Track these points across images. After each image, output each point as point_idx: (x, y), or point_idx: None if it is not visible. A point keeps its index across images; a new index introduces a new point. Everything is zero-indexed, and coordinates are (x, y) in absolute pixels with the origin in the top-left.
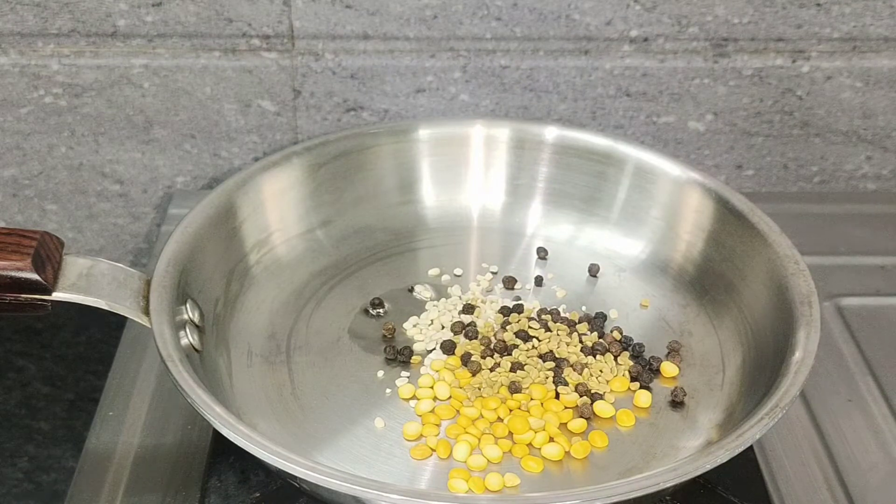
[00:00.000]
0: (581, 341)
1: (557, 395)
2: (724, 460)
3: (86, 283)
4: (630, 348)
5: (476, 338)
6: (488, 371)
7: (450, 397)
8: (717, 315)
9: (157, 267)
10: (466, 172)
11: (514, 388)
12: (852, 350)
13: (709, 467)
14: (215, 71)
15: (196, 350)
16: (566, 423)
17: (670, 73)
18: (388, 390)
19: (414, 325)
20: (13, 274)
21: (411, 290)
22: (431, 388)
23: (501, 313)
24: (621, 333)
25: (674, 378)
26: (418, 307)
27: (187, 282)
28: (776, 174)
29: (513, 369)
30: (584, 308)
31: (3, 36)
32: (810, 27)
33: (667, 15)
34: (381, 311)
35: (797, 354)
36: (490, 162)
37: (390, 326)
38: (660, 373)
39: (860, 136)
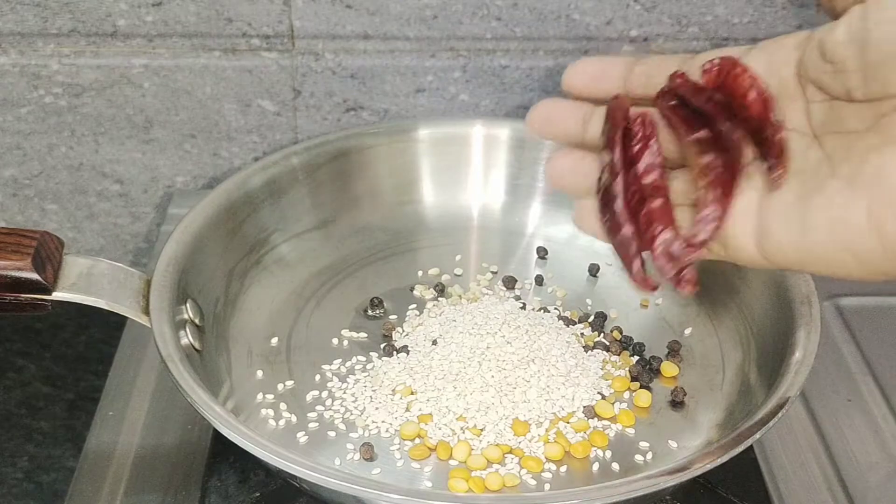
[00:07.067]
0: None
1: None
2: (724, 460)
3: (86, 282)
4: (630, 348)
5: None
6: None
7: None
8: (716, 315)
9: (157, 267)
10: (466, 172)
11: None
12: (852, 350)
13: (709, 467)
14: (215, 71)
15: (196, 350)
16: (567, 423)
17: None
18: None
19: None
20: (13, 274)
21: (411, 290)
22: None
23: None
24: (621, 333)
25: (674, 378)
26: (418, 307)
27: (187, 282)
28: None
29: None
30: (585, 307)
31: (3, 36)
32: (810, 27)
33: (667, 15)
34: (380, 311)
35: (797, 354)
36: (490, 162)
37: (390, 326)
38: (660, 373)
39: None
